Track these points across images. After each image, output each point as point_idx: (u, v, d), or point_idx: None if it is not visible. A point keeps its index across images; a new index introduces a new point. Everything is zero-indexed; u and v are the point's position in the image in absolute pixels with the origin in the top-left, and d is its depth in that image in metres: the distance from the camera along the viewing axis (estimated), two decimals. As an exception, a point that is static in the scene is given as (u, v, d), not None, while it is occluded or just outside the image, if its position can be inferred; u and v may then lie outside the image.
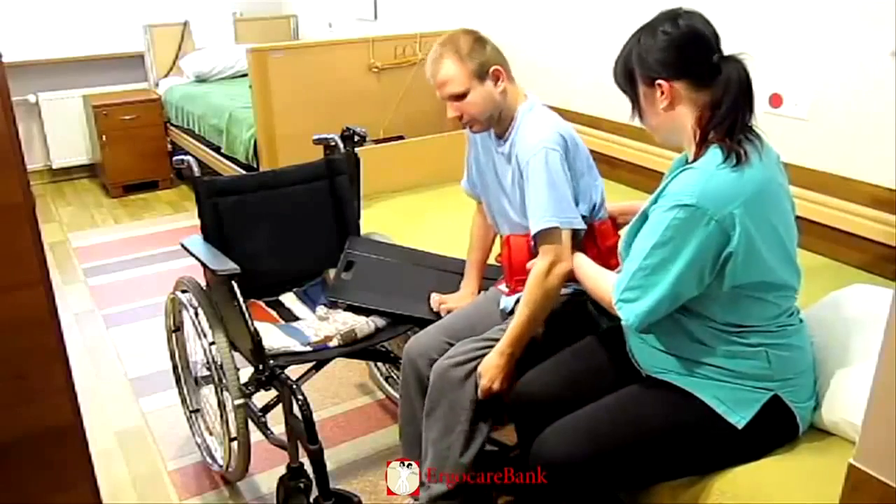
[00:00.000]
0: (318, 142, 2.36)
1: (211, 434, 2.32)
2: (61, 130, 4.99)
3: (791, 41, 2.32)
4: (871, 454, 0.94)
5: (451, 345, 1.84)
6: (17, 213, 1.24)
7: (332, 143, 2.34)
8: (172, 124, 4.92)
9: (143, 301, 3.39)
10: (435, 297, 2.07)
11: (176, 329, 2.28)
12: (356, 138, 2.32)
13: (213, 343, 1.97)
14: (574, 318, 1.85)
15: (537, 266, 1.72)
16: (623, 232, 1.63)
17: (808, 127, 2.32)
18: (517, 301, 1.81)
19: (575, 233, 1.75)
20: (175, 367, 2.35)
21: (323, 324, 2.07)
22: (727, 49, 1.43)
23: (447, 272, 2.20)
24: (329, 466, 1.94)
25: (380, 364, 2.62)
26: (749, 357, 1.44)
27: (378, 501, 2.14)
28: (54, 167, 5.10)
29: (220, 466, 2.22)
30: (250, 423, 2.01)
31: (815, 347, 1.55)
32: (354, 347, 2.02)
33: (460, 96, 1.80)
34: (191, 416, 2.36)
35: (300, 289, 2.27)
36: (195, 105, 4.55)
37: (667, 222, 1.36)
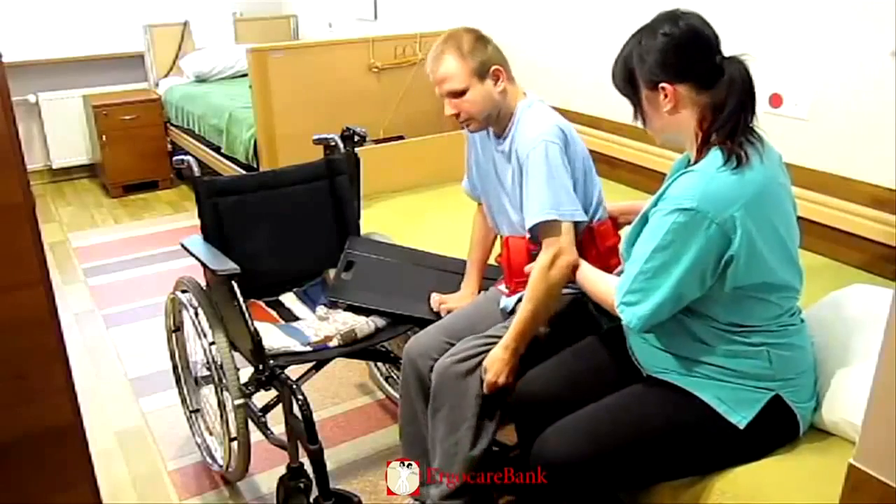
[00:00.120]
0: (318, 142, 2.36)
1: (211, 434, 2.32)
2: (61, 130, 4.99)
3: (791, 41, 2.32)
4: (871, 454, 0.94)
5: (452, 345, 1.84)
6: (17, 213, 1.24)
7: (332, 143, 2.34)
8: (172, 124, 4.92)
9: (143, 301, 3.39)
10: (435, 297, 2.07)
11: (176, 329, 2.28)
12: (356, 138, 2.32)
13: (213, 343, 1.97)
14: (575, 318, 1.84)
15: (540, 259, 1.72)
16: (624, 232, 1.63)
17: (808, 127, 2.32)
18: (518, 301, 1.81)
19: (576, 225, 1.74)
20: (175, 367, 2.35)
21: (323, 324, 2.07)
22: (727, 49, 1.43)
23: (447, 272, 2.20)
24: (329, 466, 1.94)
25: (380, 364, 2.62)
26: (750, 357, 1.44)
27: (378, 501, 2.13)
28: (54, 167, 5.10)
29: (220, 466, 2.22)
30: (250, 423, 2.01)
31: (815, 347, 1.55)
32: (354, 347, 2.02)
33: (459, 93, 1.79)
34: (191, 416, 2.36)
35: (300, 289, 2.27)
36: (195, 105, 4.55)
37: (667, 226, 1.36)
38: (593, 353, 1.71)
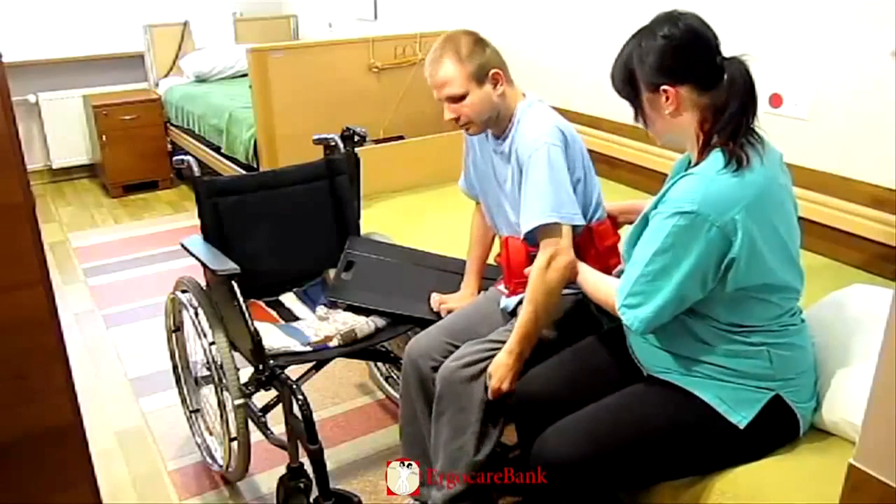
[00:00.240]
0: (318, 142, 2.36)
1: (211, 434, 2.32)
2: (61, 130, 4.99)
3: (791, 41, 2.32)
4: (871, 454, 0.94)
5: (452, 345, 1.84)
6: (17, 213, 1.24)
7: (332, 143, 2.34)
8: (172, 124, 4.92)
9: (143, 301, 3.39)
10: (435, 297, 2.07)
11: (176, 329, 2.28)
12: (356, 138, 2.32)
13: (213, 343, 1.97)
14: (576, 318, 1.84)
15: (538, 261, 1.72)
16: (624, 232, 1.62)
17: (808, 127, 2.32)
18: (519, 303, 1.81)
19: (574, 227, 1.74)
20: (175, 367, 2.35)
21: (323, 324, 2.07)
22: (727, 50, 1.42)
23: (447, 272, 2.20)
24: (329, 466, 1.94)
25: (380, 364, 2.62)
26: (751, 356, 1.44)
27: (378, 501, 2.13)
28: (54, 167, 5.10)
29: (220, 466, 2.22)
30: (250, 423, 2.01)
31: (815, 347, 1.55)
32: (354, 347, 2.02)
33: (458, 98, 1.79)
34: (191, 416, 2.36)
35: (300, 289, 2.27)
36: (195, 105, 4.55)
37: (668, 229, 1.36)
38: (593, 353, 1.71)
